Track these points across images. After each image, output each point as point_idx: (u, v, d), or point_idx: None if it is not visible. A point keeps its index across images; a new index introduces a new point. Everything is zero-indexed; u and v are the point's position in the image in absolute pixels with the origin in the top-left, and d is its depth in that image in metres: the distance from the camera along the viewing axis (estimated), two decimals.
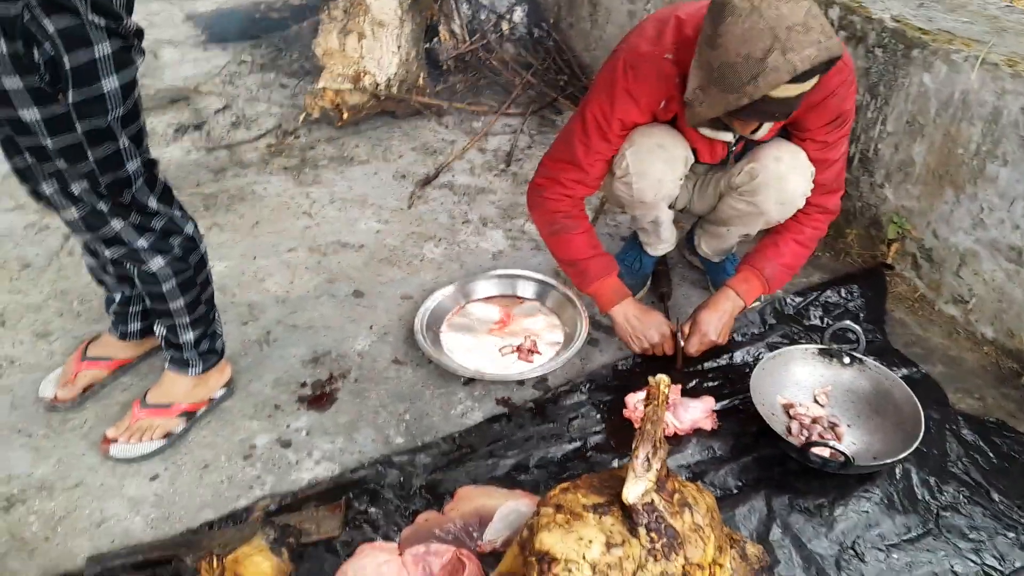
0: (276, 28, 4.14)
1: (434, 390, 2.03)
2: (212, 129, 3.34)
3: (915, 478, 1.77)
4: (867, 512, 1.70)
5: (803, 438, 1.85)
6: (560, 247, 2.03)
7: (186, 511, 1.73)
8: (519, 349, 2.13)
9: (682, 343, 2.03)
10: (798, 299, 2.31)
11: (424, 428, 1.93)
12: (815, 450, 1.69)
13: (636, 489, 1.40)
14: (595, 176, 1.96)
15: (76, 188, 1.54)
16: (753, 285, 2.03)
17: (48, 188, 1.55)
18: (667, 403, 1.56)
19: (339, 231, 2.66)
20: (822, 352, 1.98)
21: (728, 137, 1.89)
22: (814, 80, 1.54)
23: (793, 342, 2.16)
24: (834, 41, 1.49)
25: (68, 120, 1.43)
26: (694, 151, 1.96)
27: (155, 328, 1.87)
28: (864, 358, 1.94)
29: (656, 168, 1.90)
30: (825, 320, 2.25)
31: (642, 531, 1.38)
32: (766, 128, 1.82)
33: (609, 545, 1.35)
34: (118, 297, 1.96)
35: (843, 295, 2.33)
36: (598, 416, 1.94)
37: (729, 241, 2.21)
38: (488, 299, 2.31)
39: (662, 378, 1.51)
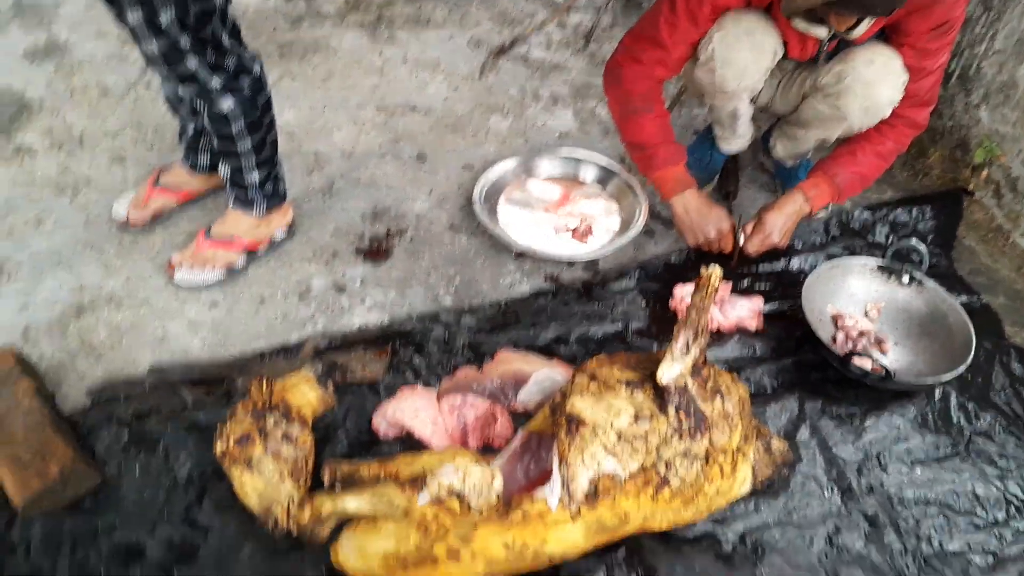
0: None
1: (485, 259, 2.06)
2: None
3: (953, 401, 1.76)
4: (898, 427, 1.71)
5: (847, 349, 1.84)
6: (631, 129, 1.99)
7: (241, 339, 1.82)
8: (574, 230, 2.13)
9: (741, 242, 2.00)
10: (866, 214, 2.25)
11: (472, 293, 1.97)
12: (856, 360, 1.68)
13: (671, 370, 1.42)
14: (677, 59, 1.89)
15: (164, 18, 1.54)
16: (823, 191, 1.97)
17: (134, 17, 1.56)
18: (715, 295, 1.56)
19: (408, 93, 2.64)
20: (882, 268, 1.94)
21: (822, 33, 1.79)
22: None
23: (855, 255, 2.11)
24: None
25: None
26: (784, 45, 1.87)
27: (220, 168, 1.91)
28: (924, 279, 1.89)
29: (742, 56, 1.82)
30: (891, 239, 2.19)
31: (671, 410, 1.41)
32: (864, 27, 1.73)
33: (637, 417, 1.40)
34: (191, 129, 2.01)
35: (914, 215, 2.25)
36: (643, 304, 1.96)
37: (805, 145, 2.13)
38: (549, 178, 2.30)
39: (715, 268, 1.51)
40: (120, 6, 1.56)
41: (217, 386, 1.71)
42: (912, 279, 1.91)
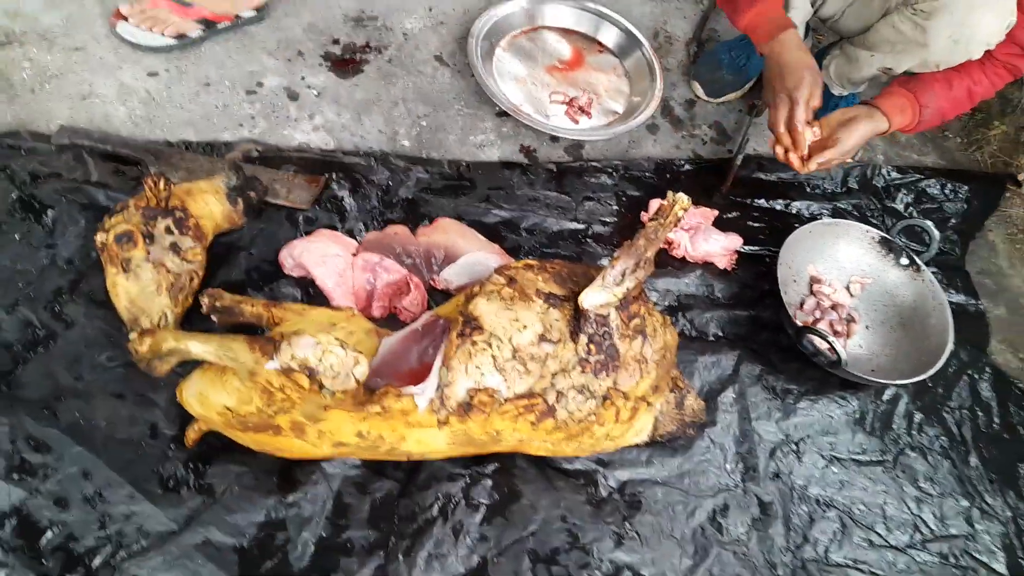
0: None
1: (463, 107, 1.83)
2: None
3: (901, 406, 1.62)
4: (831, 418, 1.57)
5: (811, 319, 1.67)
6: None
7: (170, 121, 1.64)
8: (571, 103, 1.88)
9: (739, 161, 1.76)
10: (894, 174, 1.99)
11: (435, 142, 1.77)
12: (811, 336, 1.52)
13: (596, 297, 1.26)
14: None
15: None
16: (906, 116, 1.66)
17: None
18: (676, 225, 1.37)
19: None
20: (883, 241, 1.72)
21: None
22: None
23: (863, 218, 1.89)
24: None
25: None
26: None
27: None
28: (924, 267, 1.69)
29: None
30: (911, 210, 1.95)
31: (583, 338, 1.27)
32: None
33: (542, 338, 1.25)
34: None
35: (947, 191, 2.00)
36: (614, 206, 1.76)
37: (865, 71, 1.82)
38: (566, 32, 2.02)
39: (680, 198, 1.31)
40: None
41: (128, 167, 1.56)
42: (911, 263, 1.70)
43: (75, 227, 1.45)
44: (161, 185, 1.35)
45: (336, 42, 1.86)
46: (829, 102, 1.96)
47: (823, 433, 1.55)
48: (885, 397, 1.62)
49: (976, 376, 1.71)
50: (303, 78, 1.78)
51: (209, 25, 1.75)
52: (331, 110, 1.75)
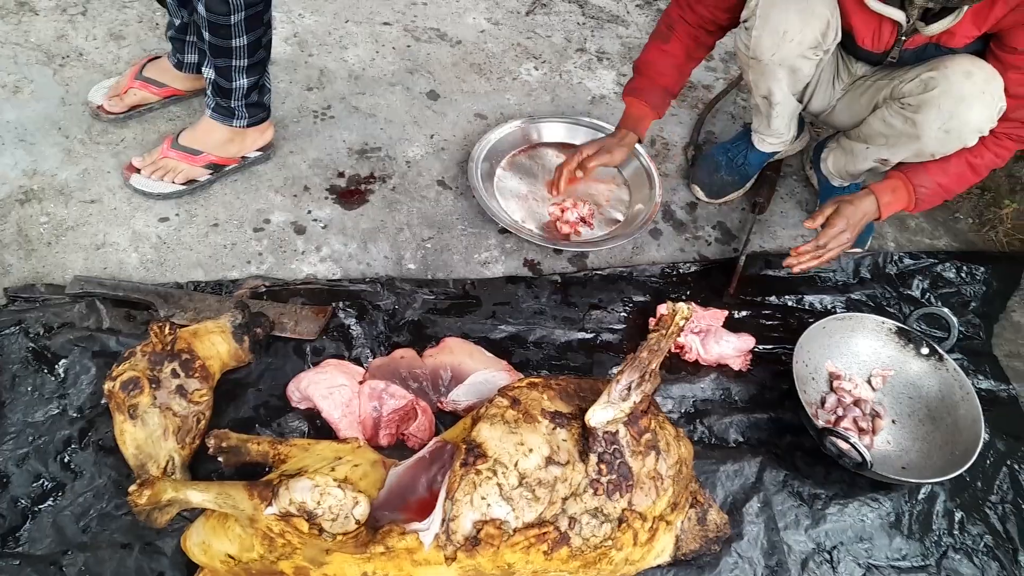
0: None
1: (467, 227, 1.87)
2: None
3: (939, 505, 1.54)
4: (864, 522, 1.50)
5: (834, 418, 1.62)
6: (643, 49, 1.83)
7: (180, 263, 1.69)
8: (562, 223, 1.89)
9: (741, 263, 1.76)
10: (907, 260, 1.96)
11: (440, 263, 1.79)
12: (833, 438, 1.46)
13: (602, 414, 1.23)
14: (725, 6, 1.68)
15: None
16: (898, 197, 1.67)
17: None
18: (679, 335, 1.35)
19: (443, 18, 2.40)
20: (900, 332, 1.68)
21: (899, 16, 1.50)
22: None
23: (879, 308, 1.85)
24: None
25: None
26: (849, 34, 1.60)
27: (204, 70, 1.74)
28: (946, 356, 1.64)
29: (785, 17, 1.56)
30: (928, 296, 1.91)
31: (593, 458, 1.23)
32: (950, 20, 1.44)
33: (549, 461, 1.22)
34: (176, 22, 1.83)
35: (963, 274, 1.95)
36: (623, 313, 1.75)
37: (860, 163, 1.83)
38: (563, 146, 2.06)
39: (681, 307, 1.30)
40: None
41: (140, 312, 1.59)
42: (932, 352, 1.65)
43: (86, 375, 1.48)
44: (166, 330, 1.38)
45: (341, 175, 1.92)
46: (831, 194, 1.97)
47: (857, 539, 1.47)
48: (921, 496, 1.54)
49: (1016, 467, 1.63)
50: (309, 212, 1.83)
51: (217, 169, 1.83)
52: (337, 241, 1.79)
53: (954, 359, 1.66)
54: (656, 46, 1.78)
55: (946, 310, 1.67)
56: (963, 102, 1.51)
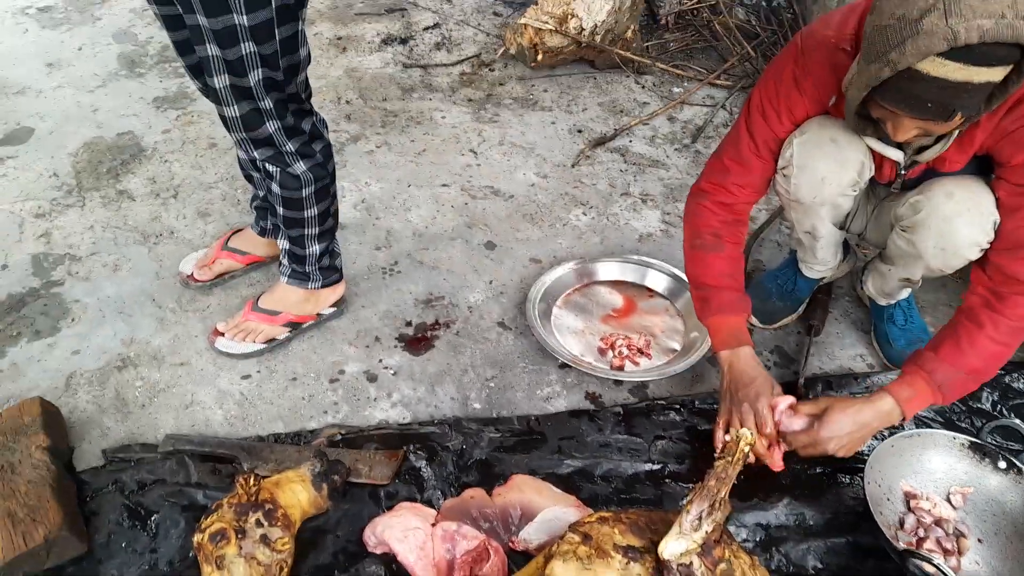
0: None
1: (527, 364, 1.94)
2: (416, 46, 3.37)
3: None
4: None
5: (915, 539, 1.57)
6: (694, 264, 1.78)
7: (262, 417, 1.80)
8: (612, 346, 1.97)
9: (803, 383, 1.76)
10: None
11: (504, 401, 1.86)
12: (917, 560, 1.42)
13: (675, 546, 1.24)
14: (760, 175, 1.72)
15: (251, 79, 1.56)
16: (920, 392, 1.57)
17: (220, 81, 1.56)
18: (744, 461, 1.36)
19: (496, 176, 2.60)
20: (974, 446, 1.65)
21: (896, 155, 1.58)
22: (989, 73, 1.19)
23: (948, 422, 1.83)
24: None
25: None
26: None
27: (279, 241, 1.91)
28: None
29: (821, 165, 1.63)
30: (1000, 408, 1.87)
31: None
32: (936, 150, 1.51)
33: None
34: (262, 193, 2.03)
35: None
36: (688, 443, 1.77)
37: (890, 283, 1.87)
38: (616, 283, 2.16)
39: (744, 434, 1.33)
40: (205, 70, 1.57)
41: (225, 465, 1.69)
42: (1011, 465, 1.61)
43: (176, 529, 1.56)
44: (251, 481, 1.46)
45: (409, 324, 2.04)
46: (882, 311, 2.00)
47: None
48: None
49: None
50: (380, 360, 1.94)
51: (295, 327, 1.97)
52: (407, 386, 1.88)
53: None
54: (713, 258, 1.73)
55: (1019, 421, 1.64)
56: (949, 221, 1.56)
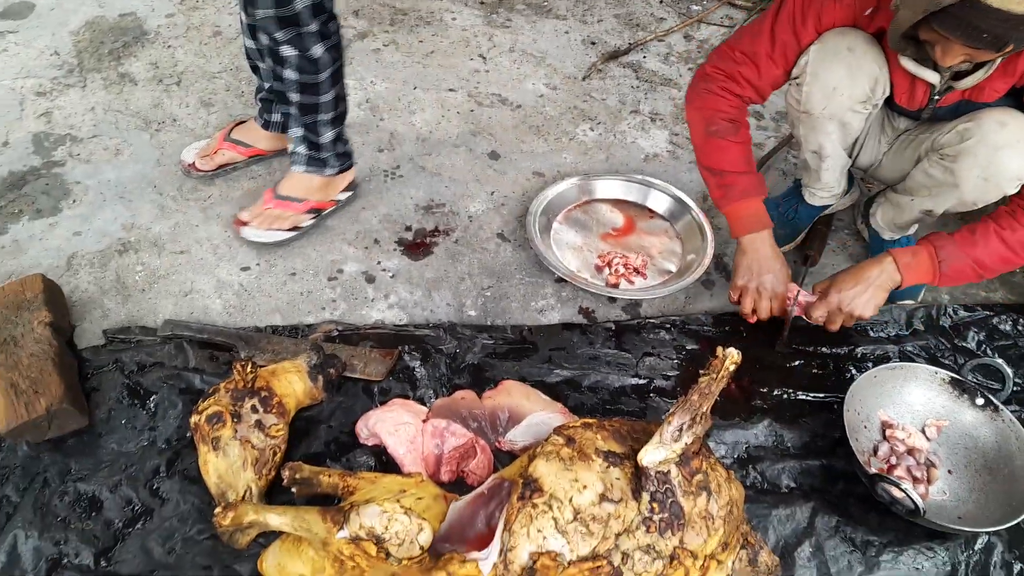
0: None
1: (524, 276, 1.96)
2: None
3: (996, 556, 1.53)
4: (919, 570, 1.49)
5: (886, 466, 1.63)
6: (712, 152, 1.78)
7: (260, 309, 1.82)
8: (609, 263, 1.99)
9: (794, 313, 1.79)
10: (962, 312, 1.97)
11: (499, 310, 1.88)
12: (885, 484, 1.48)
13: (655, 455, 1.29)
14: (770, 78, 1.71)
15: None
16: (920, 264, 1.68)
17: None
18: (728, 378, 1.40)
19: (504, 84, 2.55)
20: (954, 382, 1.69)
21: (933, 77, 1.56)
22: None
23: (932, 359, 1.87)
24: None
25: None
26: (891, 88, 1.66)
27: (291, 127, 1.90)
28: (1001, 407, 1.64)
29: (835, 73, 1.62)
30: (984, 348, 1.91)
31: (645, 497, 1.28)
32: (978, 77, 1.51)
33: (603, 497, 1.28)
34: (267, 85, 2.00)
35: (1020, 327, 1.95)
36: (675, 361, 1.81)
37: (907, 215, 1.87)
38: (617, 202, 2.16)
39: (731, 353, 1.35)
40: None
41: (222, 352, 1.72)
42: (987, 403, 1.66)
43: (174, 410, 1.60)
44: (248, 369, 1.50)
45: (408, 229, 2.05)
46: (882, 247, 2.00)
47: None
48: (978, 546, 1.53)
49: None
50: (379, 263, 1.96)
51: (317, 213, 1.98)
52: (404, 289, 1.90)
53: (1013, 411, 1.66)
54: (728, 143, 1.74)
55: (1001, 361, 1.68)
56: (999, 151, 1.56)
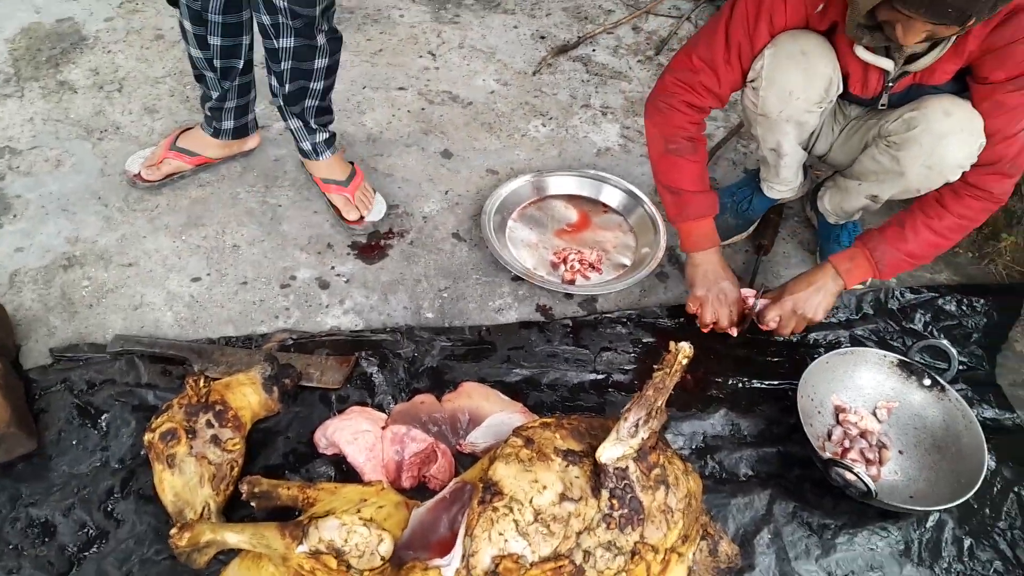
0: None
1: (480, 276, 1.96)
2: None
3: (948, 533, 1.57)
4: (874, 550, 1.54)
5: (840, 450, 1.67)
6: (670, 170, 1.80)
7: (212, 320, 1.80)
8: (564, 260, 2.00)
9: (756, 309, 1.82)
10: (909, 295, 2.02)
11: (456, 311, 1.88)
12: (838, 468, 1.51)
13: (612, 451, 1.30)
14: (729, 84, 1.72)
15: None
16: (858, 265, 1.75)
17: None
18: (682, 372, 1.42)
19: (454, 81, 2.54)
20: (902, 364, 1.73)
21: (887, 64, 1.59)
22: None
23: (882, 341, 1.91)
24: None
25: None
26: (845, 79, 1.68)
27: (312, 120, 1.95)
28: (948, 387, 1.69)
29: (790, 77, 1.64)
30: (931, 329, 1.96)
31: (605, 494, 1.30)
32: (933, 56, 1.53)
33: (563, 497, 1.28)
34: (215, 94, 1.96)
35: (964, 307, 2.01)
36: (632, 354, 1.82)
37: (854, 200, 1.91)
38: (571, 198, 2.17)
39: (683, 347, 1.37)
40: None
41: (175, 367, 1.69)
42: (934, 383, 1.70)
43: (126, 428, 1.57)
44: (201, 383, 1.47)
45: (362, 231, 2.03)
46: (830, 232, 2.05)
47: (868, 568, 1.51)
48: (929, 524, 1.58)
49: None
50: (332, 267, 1.94)
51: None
52: (360, 293, 1.89)
53: (959, 390, 1.72)
54: (686, 162, 1.77)
55: (945, 342, 1.73)
56: (943, 139, 1.59)
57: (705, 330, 1.85)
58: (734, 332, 1.84)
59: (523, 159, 2.29)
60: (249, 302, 1.84)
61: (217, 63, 1.89)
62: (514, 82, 2.57)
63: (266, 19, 1.69)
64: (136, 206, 2.02)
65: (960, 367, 1.77)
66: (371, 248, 1.99)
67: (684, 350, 1.38)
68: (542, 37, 2.78)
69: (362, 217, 1.99)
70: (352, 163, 2.07)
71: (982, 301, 2.01)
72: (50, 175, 2.07)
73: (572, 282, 1.95)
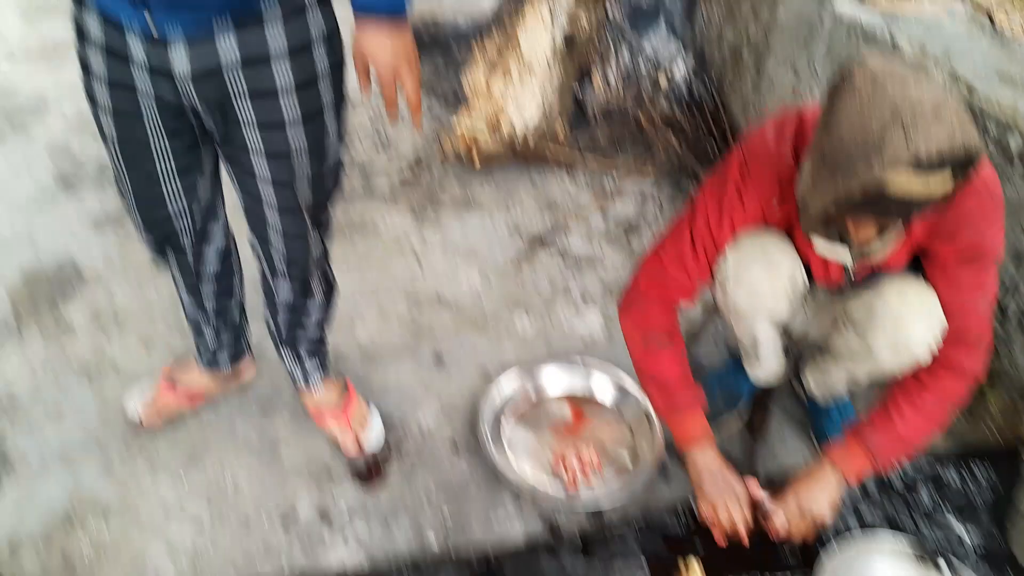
0: (440, 44, 4.16)
1: (481, 489, 1.96)
2: (355, 148, 3.40)
3: None
4: None
5: None
6: (654, 363, 1.83)
7: (214, 568, 1.78)
8: (581, 462, 2.01)
9: (766, 513, 1.79)
10: (909, 472, 2.02)
11: (461, 532, 1.87)
12: None
13: None
14: (697, 281, 1.77)
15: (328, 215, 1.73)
16: (856, 458, 1.70)
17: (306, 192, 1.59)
18: None
19: (441, 284, 2.64)
20: (915, 546, 1.71)
21: (844, 256, 1.66)
22: (941, 181, 1.28)
23: (891, 524, 1.90)
24: (971, 135, 1.25)
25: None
26: (808, 268, 1.76)
27: (305, 346, 1.97)
28: (963, 569, 1.66)
29: (753, 275, 1.71)
30: (937, 502, 1.95)
31: None
32: (886, 245, 1.59)
33: None
34: (212, 329, 1.99)
35: (967, 476, 2.01)
36: (645, 567, 1.79)
37: (833, 380, 1.95)
38: (563, 395, 2.21)
39: (692, 561, 1.37)
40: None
41: None
42: (949, 566, 1.68)
43: None
44: None
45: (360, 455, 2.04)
46: (819, 414, 2.07)
47: None
48: None
49: None
50: (333, 495, 1.94)
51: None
52: (362, 524, 1.88)
53: (974, 564, 1.69)
54: (670, 356, 1.80)
55: (952, 518, 1.72)
56: (902, 320, 1.64)
57: (722, 544, 1.75)
58: (747, 542, 1.75)
59: (512, 354, 2.34)
60: (251, 547, 1.83)
61: (214, 319, 1.96)
62: (496, 279, 2.67)
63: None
64: (136, 451, 2.03)
65: (973, 543, 1.76)
66: (370, 473, 2.00)
67: (694, 566, 1.37)
68: (518, 228, 2.91)
69: (360, 448, 2.00)
70: (345, 377, 2.11)
71: (985, 467, 2.01)
72: (51, 427, 2.09)
73: (575, 487, 1.95)
